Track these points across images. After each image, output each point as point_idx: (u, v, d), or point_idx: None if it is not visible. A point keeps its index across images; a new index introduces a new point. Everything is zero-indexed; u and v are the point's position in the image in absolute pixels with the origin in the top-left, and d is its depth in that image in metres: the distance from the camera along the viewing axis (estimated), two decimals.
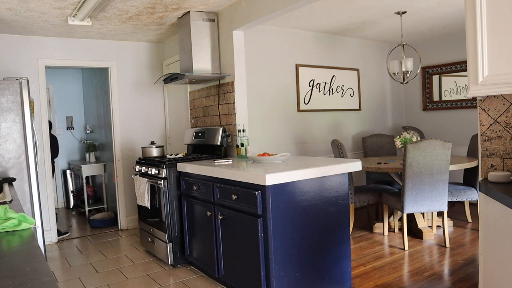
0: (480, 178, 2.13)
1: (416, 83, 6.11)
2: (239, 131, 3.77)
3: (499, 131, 2.03)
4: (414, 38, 5.58)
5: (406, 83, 4.68)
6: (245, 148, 3.70)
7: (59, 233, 4.86)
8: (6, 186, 2.64)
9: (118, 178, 5.12)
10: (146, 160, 3.95)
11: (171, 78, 4.13)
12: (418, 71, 4.87)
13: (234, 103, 3.93)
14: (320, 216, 2.77)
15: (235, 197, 2.77)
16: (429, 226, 4.24)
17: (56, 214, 5.09)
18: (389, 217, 4.45)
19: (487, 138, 2.09)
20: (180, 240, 3.61)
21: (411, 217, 4.23)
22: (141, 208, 4.08)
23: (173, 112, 5.30)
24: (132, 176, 4.19)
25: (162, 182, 3.57)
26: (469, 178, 4.40)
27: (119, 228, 5.18)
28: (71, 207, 6.47)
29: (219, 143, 3.91)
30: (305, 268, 2.70)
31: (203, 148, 4.18)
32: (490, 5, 1.82)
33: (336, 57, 5.43)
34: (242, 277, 2.82)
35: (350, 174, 3.83)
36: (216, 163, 3.27)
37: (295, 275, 2.65)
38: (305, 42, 5.13)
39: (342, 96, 5.51)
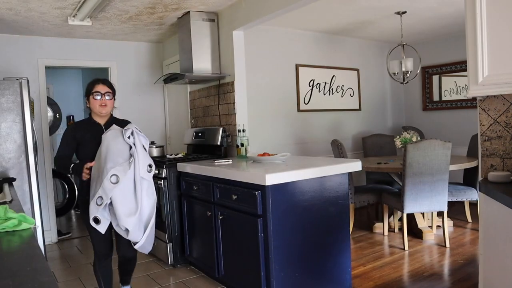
0: (480, 178, 2.13)
1: (416, 83, 6.11)
2: (239, 131, 3.77)
3: (499, 131, 2.03)
4: (414, 38, 5.58)
5: (406, 83, 4.68)
6: (245, 148, 3.70)
7: (60, 233, 4.86)
8: (6, 186, 2.64)
9: None
10: None
11: (171, 78, 4.13)
12: (418, 71, 4.87)
13: (234, 103, 3.93)
14: (320, 216, 2.77)
15: (235, 197, 2.77)
16: (429, 226, 4.24)
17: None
18: (389, 217, 4.45)
19: (487, 138, 2.09)
20: (180, 240, 3.61)
21: (411, 217, 4.23)
22: None
23: (173, 112, 5.29)
24: None
25: (162, 182, 3.57)
26: (469, 178, 4.40)
27: None
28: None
29: (219, 143, 3.91)
30: (305, 268, 2.70)
31: (203, 148, 4.18)
32: (490, 5, 1.82)
33: (336, 57, 5.43)
34: (242, 277, 2.82)
35: (350, 174, 3.83)
36: (216, 163, 3.27)
37: (295, 275, 2.65)
38: (305, 42, 5.13)
39: (342, 96, 5.51)
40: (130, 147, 2.52)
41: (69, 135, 2.65)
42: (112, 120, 2.74)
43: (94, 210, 2.46)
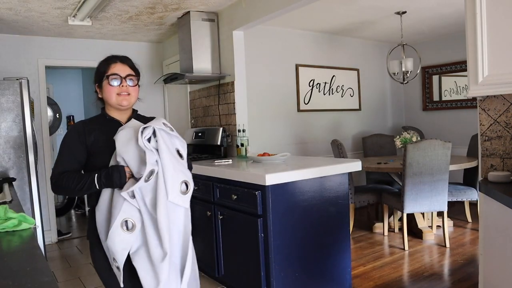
0: (480, 178, 2.13)
1: (416, 83, 6.11)
2: (239, 131, 3.77)
3: (499, 131, 2.03)
4: (414, 38, 5.58)
5: (406, 83, 4.68)
6: (245, 148, 3.70)
7: (60, 233, 4.86)
8: (6, 186, 2.64)
9: None
10: None
11: (171, 78, 4.13)
12: (418, 71, 4.87)
13: (234, 103, 3.93)
14: (320, 216, 2.77)
15: (235, 197, 2.77)
16: (429, 226, 4.24)
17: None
18: (389, 217, 4.45)
19: (487, 138, 2.09)
20: None
21: (411, 217, 4.23)
22: None
23: (173, 112, 5.29)
24: None
25: None
26: (469, 178, 4.40)
27: None
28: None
29: (219, 143, 3.91)
30: (305, 268, 2.70)
31: (203, 148, 4.18)
32: (490, 5, 1.82)
33: (336, 57, 5.43)
34: (242, 277, 2.81)
35: (350, 174, 3.83)
36: (216, 163, 3.27)
37: (295, 275, 2.65)
38: (305, 42, 5.13)
39: (342, 96, 5.51)
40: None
41: (74, 138, 1.71)
42: (136, 117, 1.86)
43: (117, 273, 1.65)
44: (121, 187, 1.59)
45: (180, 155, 1.73)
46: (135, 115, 1.89)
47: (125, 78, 1.78)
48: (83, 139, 1.72)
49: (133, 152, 1.61)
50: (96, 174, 1.62)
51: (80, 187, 1.61)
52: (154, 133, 1.63)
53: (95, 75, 1.82)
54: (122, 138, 1.64)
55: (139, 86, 1.86)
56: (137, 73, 1.87)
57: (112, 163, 1.67)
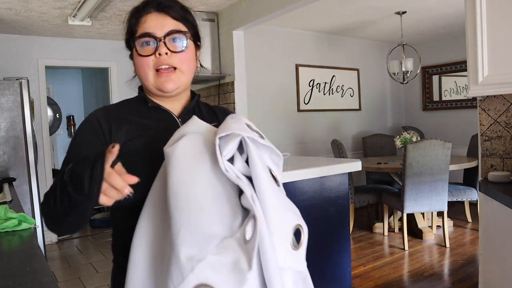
0: (480, 178, 2.13)
1: (416, 83, 6.11)
2: None
3: (499, 131, 2.03)
4: (414, 38, 5.58)
5: (406, 83, 4.68)
6: None
7: None
8: (6, 186, 2.64)
9: None
10: None
11: None
12: (418, 71, 4.87)
13: (234, 103, 3.93)
14: (320, 216, 2.77)
15: None
16: (429, 226, 4.24)
17: None
18: (389, 217, 4.45)
19: (487, 138, 2.09)
20: None
21: (411, 217, 4.23)
22: None
23: None
24: None
25: None
26: (469, 178, 4.40)
27: None
28: None
29: None
30: None
31: None
32: (490, 5, 1.82)
33: (336, 57, 5.43)
34: None
35: (350, 174, 3.82)
36: None
37: None
38: (305, 42, 5.13)
39: (342, 96, 5.51)
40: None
41: (88, 133, 1.00)
42: (196, 107, 1.14)
43: None
44: (91, 197, 0.75)
45: (275, 180, 0.89)
46: (195, 103, 1.13)
47: (164, 38, 0.99)
48: (103, 136, 0.99)
49: (214, 179, 0.81)
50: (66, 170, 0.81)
51: (55, 198, 0.83)
52: (240, 142, 0.82)
53: (125, 37, 1.07)
54: (185, 155, 0.82)
55: (199, 47, 1.11)
56: (190, 26, 1.09)
57: (152, 192, 0.88)
